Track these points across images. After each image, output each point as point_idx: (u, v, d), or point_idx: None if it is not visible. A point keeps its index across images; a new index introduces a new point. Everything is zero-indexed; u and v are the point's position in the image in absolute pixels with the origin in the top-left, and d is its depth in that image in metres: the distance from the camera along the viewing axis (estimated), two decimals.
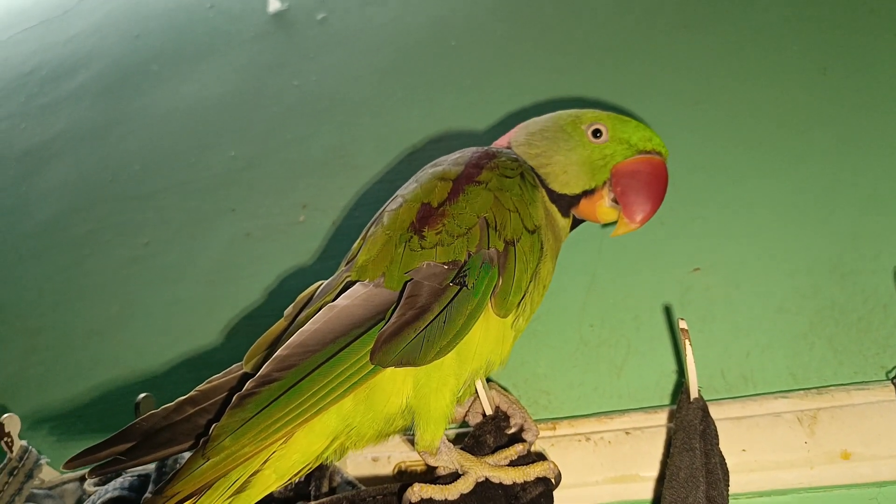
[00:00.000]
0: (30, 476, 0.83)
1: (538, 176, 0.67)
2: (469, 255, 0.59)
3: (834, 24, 0.88)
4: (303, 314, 0.62)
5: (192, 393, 0.63)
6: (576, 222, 0.69)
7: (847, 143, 0.81)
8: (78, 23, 1.49)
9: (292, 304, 0.67)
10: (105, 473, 0.62)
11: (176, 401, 0.62)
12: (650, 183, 0.66)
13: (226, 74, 1.24)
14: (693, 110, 0.89)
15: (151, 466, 0.77)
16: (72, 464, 0.61)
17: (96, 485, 0.79)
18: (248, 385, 0.56)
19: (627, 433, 0.70)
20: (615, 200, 0.66)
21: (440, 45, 1.10)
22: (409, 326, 0.56)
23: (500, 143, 0.71)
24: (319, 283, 0.67)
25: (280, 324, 0.66)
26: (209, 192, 1.11)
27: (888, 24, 0.86)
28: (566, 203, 0.67)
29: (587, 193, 0.66)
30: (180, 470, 0.55)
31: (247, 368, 0.63)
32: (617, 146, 0.66)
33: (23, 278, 1.16)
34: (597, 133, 0.66)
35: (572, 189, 0.66)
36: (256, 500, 0.59)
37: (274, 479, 0.58)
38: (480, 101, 1.01)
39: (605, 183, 0.66)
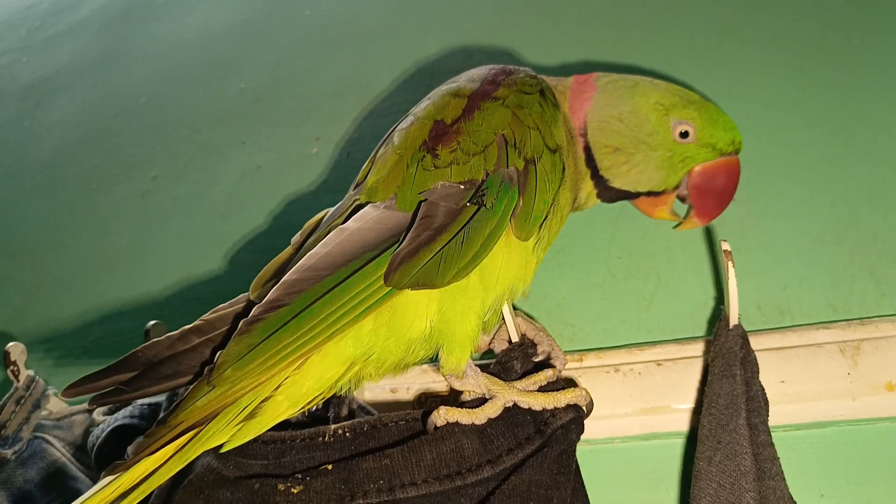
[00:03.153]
0: (37, 406, 0.80)
1: (595, 166, 0.64)
2: (487, 174, 0.55)
3: None
4: (311, 239, 0.59)
5: (197, 322, 0.59)
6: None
7: (890, 66, 0.76)
8: None
9: (299, 232, 0.64)
10: (106, 403, 0.58)
11: (180, 329, 0.59)
12: (726, 188, 0.65)
13: (234, 4, 1.19)
14: (729, 38, 0.84)
15: (162, 396, 0.74)
16: (71, 391, 0.57)
17: (105, 414, 0.77)
18: (254, 311, 0.53)
19: (658, 364, 0.67)
20: (682, 200, 0.65)
21: None
22: (425, 247, 0.53)
23: (579, 114, 0.64)
24: (327, 210, 0.63)
25: (287, 251, 0.63)
26: (219, 124, 1.07)
27: None
28: (617, 194, 0.65)
29: (653, 193, 0.65)
30: (184, 398, 0.53)
31: (253, 297, 0.60)
32: (701, 149, 0.63)
33: (28, 213, 1.12)
34: (684, 134, 0.62)
35: (638, 188, 0.64)
36: (268, 427, 0.56)
37: (286, 405, 0.56)
38: (502, 28, 0.97)
39: (676, 185, 0.64)
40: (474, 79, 0.62)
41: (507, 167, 0.56)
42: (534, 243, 0.59)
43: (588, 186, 0.65)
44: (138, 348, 0.58)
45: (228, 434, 0.56)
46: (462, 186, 0.55)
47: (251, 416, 0.56)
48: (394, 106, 0.98)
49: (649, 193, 0.65)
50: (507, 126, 0.57)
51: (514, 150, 0.57)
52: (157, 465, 0.55)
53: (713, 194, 0.65)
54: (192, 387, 0.54)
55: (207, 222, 0.99)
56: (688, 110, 0.62)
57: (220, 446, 0.57)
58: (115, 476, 0.54)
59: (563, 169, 0.59)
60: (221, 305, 0.61)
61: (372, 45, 1.04)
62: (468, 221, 0.54)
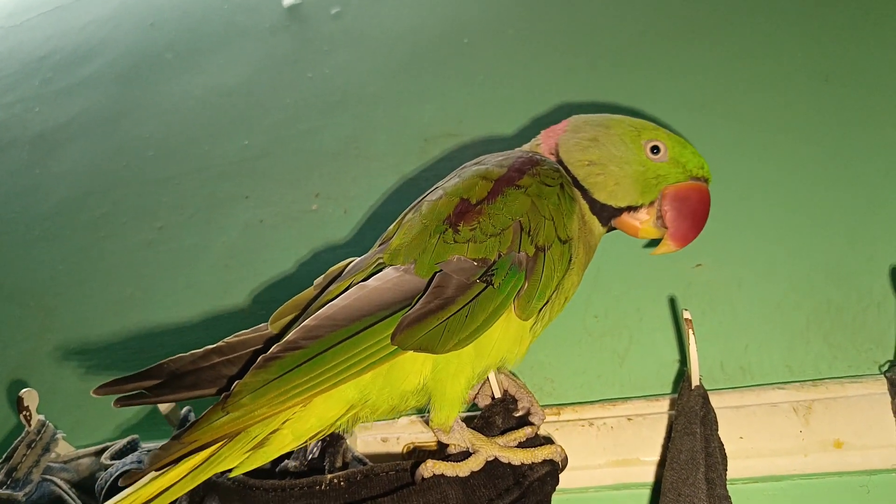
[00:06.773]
0: (47, 449, 0.85)
1: (581, 185, 0.67)
2: (499, 256, 0.61)
3: (837, 33, 0.91)
4: (332, 286, 0.65)
5: (219, 343, 0.66)
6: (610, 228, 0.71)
7: (847, 148, 0.84)
8: (92, 10, 1.51)
9: (323, 275, 0.69)
10: (129, 405, 0.64)
11: (204, 348, 0.65)
12: (697, 211, 0.67)
13: (240, 65, 1.27)
14: (698, 113, 0.92)
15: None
16: (101, 390, 0.64)
17: (112, 458, 0.82)
18: (273, 348, 0.59)
19: (629, 419, 0.73)
20: (660, 220, 0.67)
21: (453, 43, 1.12)
22: (433, 315, 0.58)
23: (548, 142, 0.71)
24: (351, 259, 0.69)
25: (309, 292, 0.69)
26: (223, 178, 1.14)
27: (890, 33, 0.89)
28: (608, 214, 0.68)
29: (631, 208, 0.67)
30: (199, 420, 0.58)
31: (273, 329, 0.67)
32: (672, 168, 0.67)
33: (37, 259, 1.18)
34: (655, 150, 0.67)
35: (619, 201, 0.67)
36: (273, 457, 0.63)
37: (291, 439, 0.62)
38: (493, 97, 1.04)
39: (652, 202, 0.67)
40: (503, 164, 0.66)
41: (519, 252, 0.61)
42: (532, 323, 0.64)
43: (585, 206, 0.68)
44: (164, 360, 0.65)
45: (238, 460, 0.62)
46: (475, 263, 0.60)
47: (259, 445, 0.62)
48: (390, 167, 1.04)
49: (629, 209, 0.67)
50: (525, 214, 0.62)
51: (527, 236, 0.62)
52: (171, 482, 0.60)
53: (686, 215, 0.67)
54: (208, 410, 0.59)
55: (211, 273, 1.05)
56: (658, 132, 0.68)
57: (229, 494, 0.62)
58: (131, 490, 0.59)
59: (571, 258, 0.64)
60: (244, 331, 0.68)
61: (370, 109, 1.11)
62: (475, 297, 0.59)
